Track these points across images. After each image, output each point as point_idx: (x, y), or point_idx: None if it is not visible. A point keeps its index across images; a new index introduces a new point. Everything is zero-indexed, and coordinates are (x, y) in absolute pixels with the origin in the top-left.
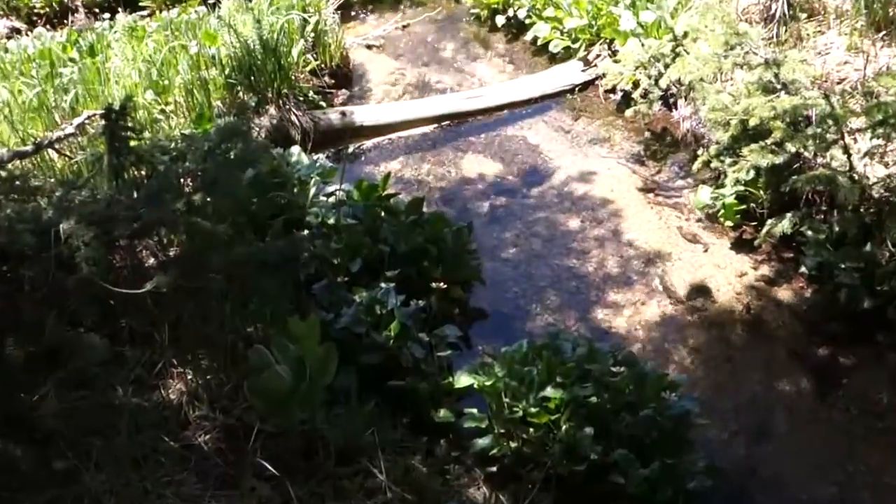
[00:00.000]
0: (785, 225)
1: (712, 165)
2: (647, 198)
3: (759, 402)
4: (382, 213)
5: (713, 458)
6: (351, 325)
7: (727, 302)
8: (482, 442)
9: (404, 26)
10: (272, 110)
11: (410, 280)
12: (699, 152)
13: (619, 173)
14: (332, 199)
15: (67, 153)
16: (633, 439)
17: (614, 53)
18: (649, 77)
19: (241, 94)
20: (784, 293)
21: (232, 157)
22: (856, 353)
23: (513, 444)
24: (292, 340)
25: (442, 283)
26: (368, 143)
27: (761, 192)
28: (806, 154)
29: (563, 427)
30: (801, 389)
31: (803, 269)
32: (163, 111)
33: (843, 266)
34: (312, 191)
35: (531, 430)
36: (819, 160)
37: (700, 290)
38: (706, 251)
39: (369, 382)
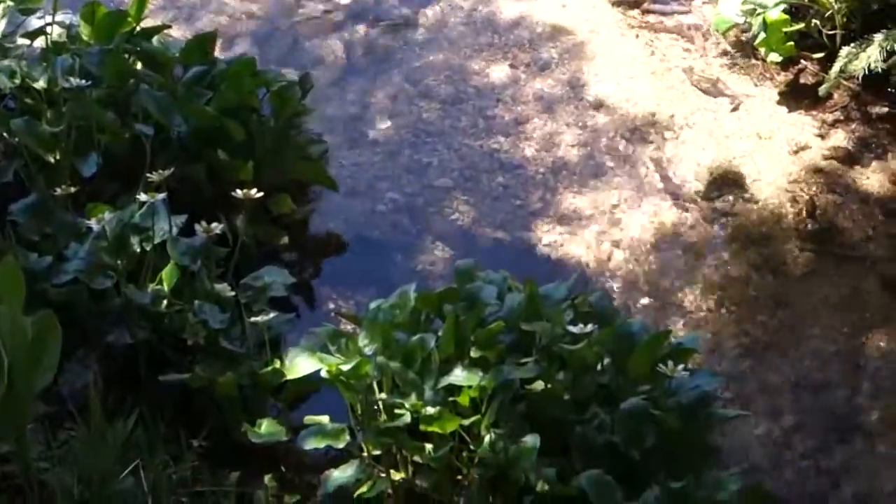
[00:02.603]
0: (872, 55)
1: None
2: (627, 18)
3: (836, 374)
4: (139, 66)
5: (759, 474)
6: (85, 275)
7: (775, 200)
8: (340, 476)
9: None
10: None
11: (196, 187)
12: None
13: None
14: (39, 43)
15: None
16: (612, 451)
17: None
18: None
19: None
20: (873, 180)
21: None
22: None
23: (397, 476)
24: None
25: (255, 191)
26: None
27: None
28: None
29: (487, 438)
30: None
31: None
32: None
33: None
34: (0, 27)
35: (429, 446)
36: None
37: (727, 181)
38: (735, 110)
39: (126, 377)
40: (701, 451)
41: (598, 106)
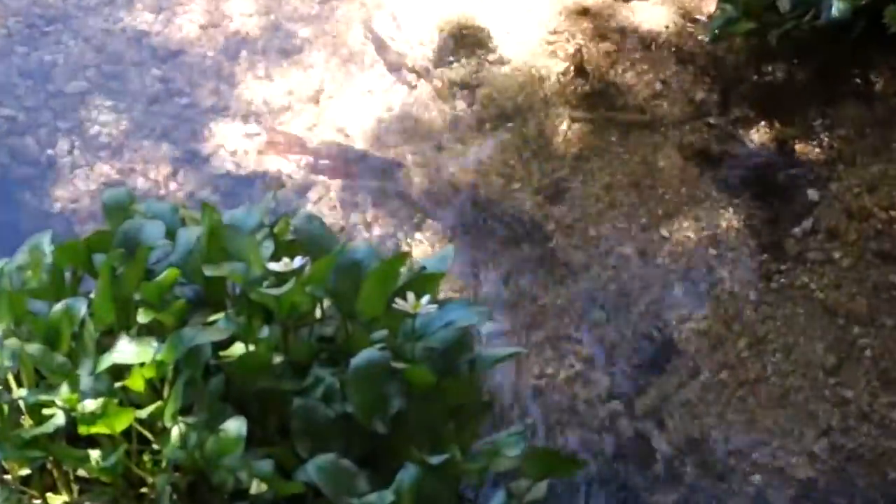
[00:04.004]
0: None
1: None
2: None
3: (636, 282)
4: None
5: (550, 429)
6: None
7: (531, 58)
8: None
9: None
10: None
11: None
12: None
13: None
14: None
15: None
16: (348, 424)
17: None
18: None
19: None
20: (655, 16)
21: None
22: (815, 125)
23: (57, 500)
24: None
25: None
26: None
27: None
28: None
29: (174, 432)
30: (724, 237)
31: None
32: None
33: None
34: None
35: (96, 454)
36: None
37: (465, 41)
38: None
39: None
40: (468, 408)
41: None
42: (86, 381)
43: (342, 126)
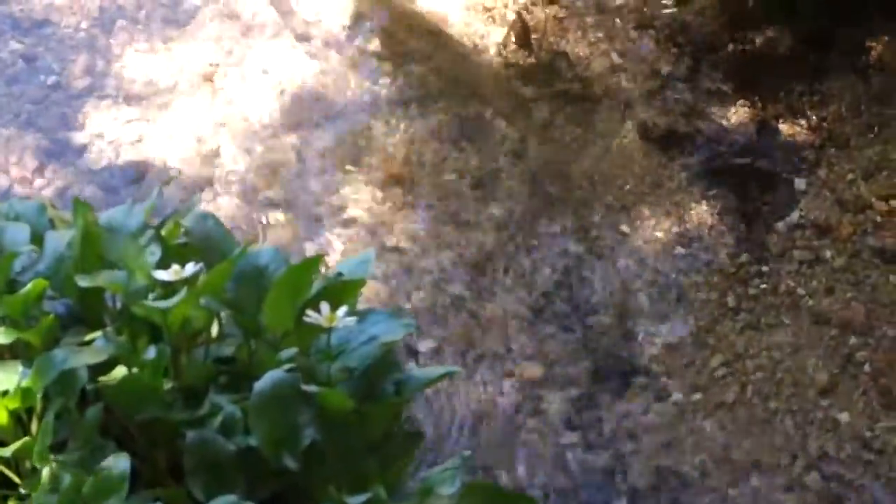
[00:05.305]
0: None
1: None
2: None
3: (596, 289)
4: None
5: (494, 459)
6: None
7: (463, 24)
8: None
9: None
10: None
11: None
12: None
13: None
14: None
15: None
16: (252, 460)
17: None
18: None
19: None
20: None
21: None
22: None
23: None
24: None
25: None
26: None
27: None
28: None
29: (45, 472)
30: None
31: None
32: None
33: None
34: None
35: None
36: None
37: (386, 3)
38: None
39: None
40: (394, 438)
41: None
42: None
43: (240, 108)
